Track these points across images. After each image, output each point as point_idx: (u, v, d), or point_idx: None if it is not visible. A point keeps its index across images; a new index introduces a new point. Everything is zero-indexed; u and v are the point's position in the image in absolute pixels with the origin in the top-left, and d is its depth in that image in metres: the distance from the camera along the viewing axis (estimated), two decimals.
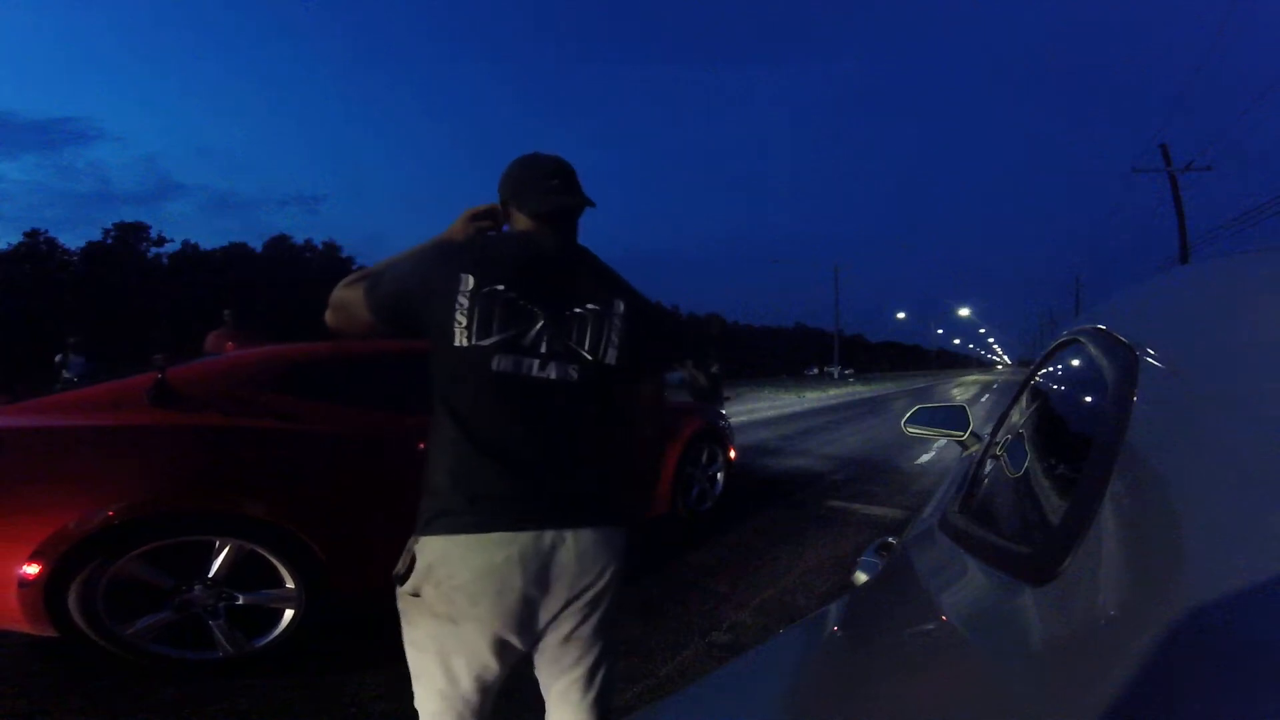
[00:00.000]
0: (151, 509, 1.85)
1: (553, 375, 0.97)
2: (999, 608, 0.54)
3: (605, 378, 1.02)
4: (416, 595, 0.95)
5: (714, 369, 5.16)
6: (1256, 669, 0.28)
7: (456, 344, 0.94)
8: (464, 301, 0.94)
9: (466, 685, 0.97)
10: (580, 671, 1.05)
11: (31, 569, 1.70)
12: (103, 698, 1.83)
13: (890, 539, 1.23)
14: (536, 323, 0.97)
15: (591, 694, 1.06)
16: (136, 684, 1.89)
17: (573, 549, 0.97)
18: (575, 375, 0.99)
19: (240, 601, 2.01)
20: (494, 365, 0.94)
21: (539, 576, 0.96)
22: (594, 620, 1.03)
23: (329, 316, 1.09)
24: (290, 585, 2.04)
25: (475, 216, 1.14)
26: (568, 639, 1.03)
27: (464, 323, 0.94)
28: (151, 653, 1.93)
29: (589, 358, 1.00)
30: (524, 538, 0.94)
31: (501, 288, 0.95)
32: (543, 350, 0.97)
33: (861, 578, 1.13)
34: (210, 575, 1.95)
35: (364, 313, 1.02)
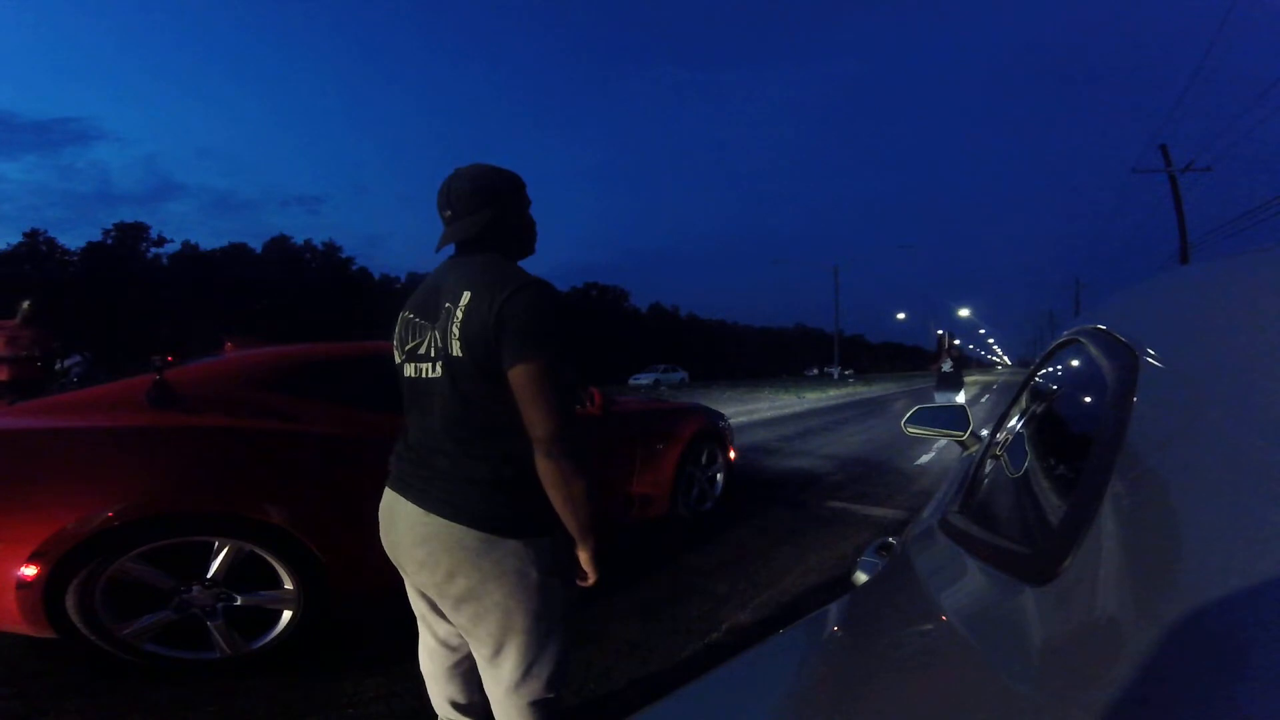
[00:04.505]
0: (150, 510, 1.85)
1: (429, 374, 1.11)
2: (999, 608, 0.53)
3: (459, 371, 1.05)
4: None
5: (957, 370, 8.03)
6: (1256, 669, 0.28)
7: (396, 361, 1.21)
8: (398, 331, 1.21)
9: (417, 609, 1.26)
10: (483, 661, 1.14)
11: (30, 570, 1.70)
12: (102, 698, 1.82)
13: (890, 539, 1.23)
14: (427, 332, 1.12)
15: (500, 688, 1.13)
16: (135, 684, 1.89)
17: (410, 517, 1.10)
18: (440, 371, 1.08)
19: (239, 602, 2.00)
20: (405, 372, 1.18)
21: (391, 530, 1.16)
22: (467, 620, 1.09)
23: None
24: (289, 586, 2.04)
25: None
26: (461, 626, 1.13)
27: (396, 345, 1.21)
28: (149, 653, 1.93)
29: (445, 353, 1.07)
30: (390, 494, 1.18)
31: (408, 313, 1.19)
32: (430, 355, 1.11)
33: (861, 578, 1.13)
34: (209, 576, 1.95)
35: None
